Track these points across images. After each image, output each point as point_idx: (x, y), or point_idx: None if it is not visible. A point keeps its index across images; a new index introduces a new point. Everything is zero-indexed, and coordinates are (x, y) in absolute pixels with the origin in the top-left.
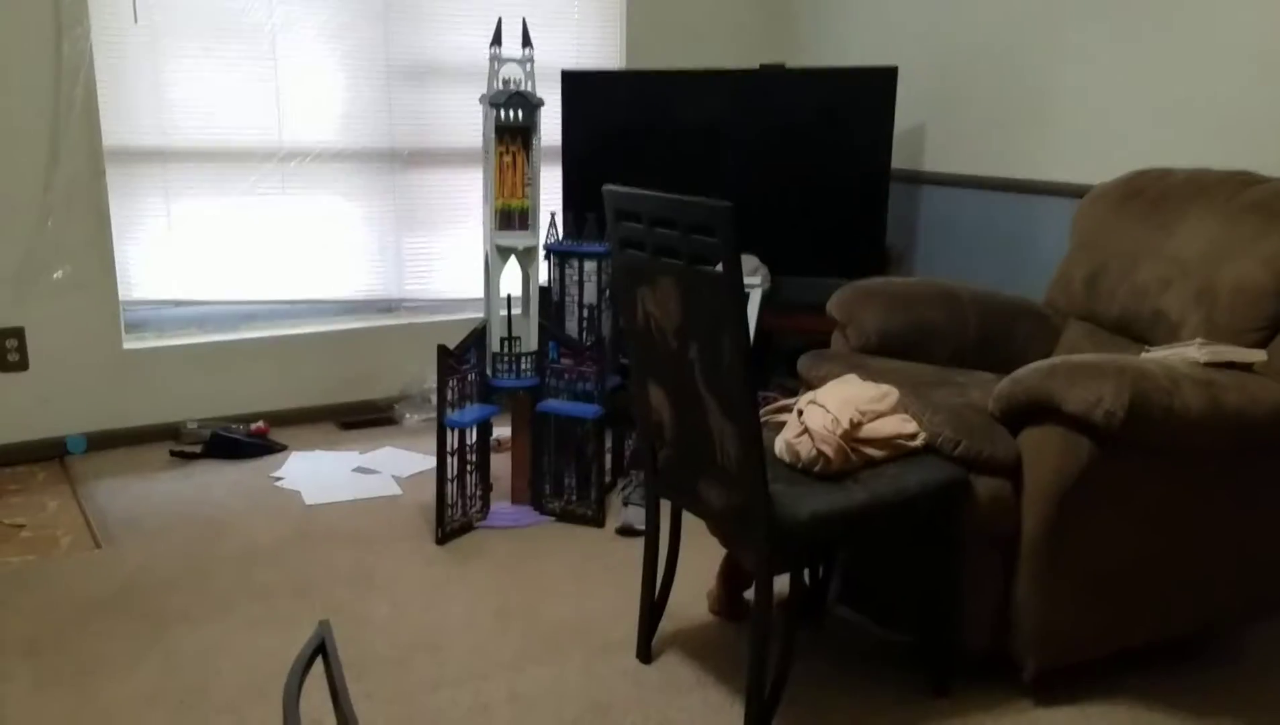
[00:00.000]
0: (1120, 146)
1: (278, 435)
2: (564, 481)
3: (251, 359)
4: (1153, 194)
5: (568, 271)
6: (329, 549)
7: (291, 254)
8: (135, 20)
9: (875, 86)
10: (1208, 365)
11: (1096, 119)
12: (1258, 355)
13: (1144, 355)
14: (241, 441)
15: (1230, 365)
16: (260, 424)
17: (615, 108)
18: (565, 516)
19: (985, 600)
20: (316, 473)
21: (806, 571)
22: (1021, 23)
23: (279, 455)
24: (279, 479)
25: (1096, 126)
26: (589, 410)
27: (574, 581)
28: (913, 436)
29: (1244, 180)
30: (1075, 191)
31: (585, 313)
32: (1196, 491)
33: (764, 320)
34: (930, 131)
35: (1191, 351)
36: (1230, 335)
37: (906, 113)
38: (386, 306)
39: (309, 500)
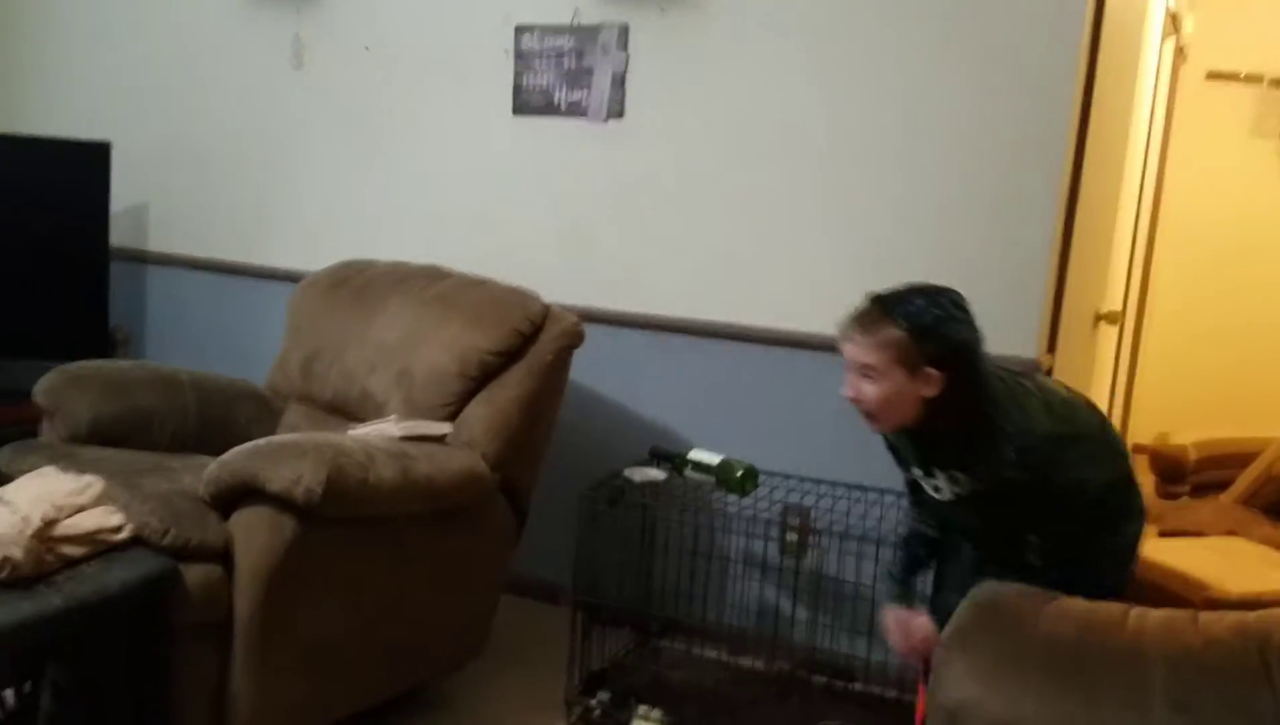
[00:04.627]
0: (333, 238)
1: None
2: None
3: None
4: (358, 284)
5: None
6: None
7: None
8: None
9: (86, 161)
10: (403, 439)
11: (311, 213)
12: (445, 428)
13: (349, 433)
14: None
15: (424, 438)
16: None
17: None
18: None
19: (201, 692)
20: None
21: (9, 692)
22: (243, 115)
23: None
24: None
25: (313, 219)
26: None
27: None
28: (118, 529)
29: (434, 273)
30: (293, 278)
31: None
32: (398, 559)
33: None
34: (155, 211)
35: (389, 427)
36: (426, 411)
37: (129, 189)
38: None
39: None
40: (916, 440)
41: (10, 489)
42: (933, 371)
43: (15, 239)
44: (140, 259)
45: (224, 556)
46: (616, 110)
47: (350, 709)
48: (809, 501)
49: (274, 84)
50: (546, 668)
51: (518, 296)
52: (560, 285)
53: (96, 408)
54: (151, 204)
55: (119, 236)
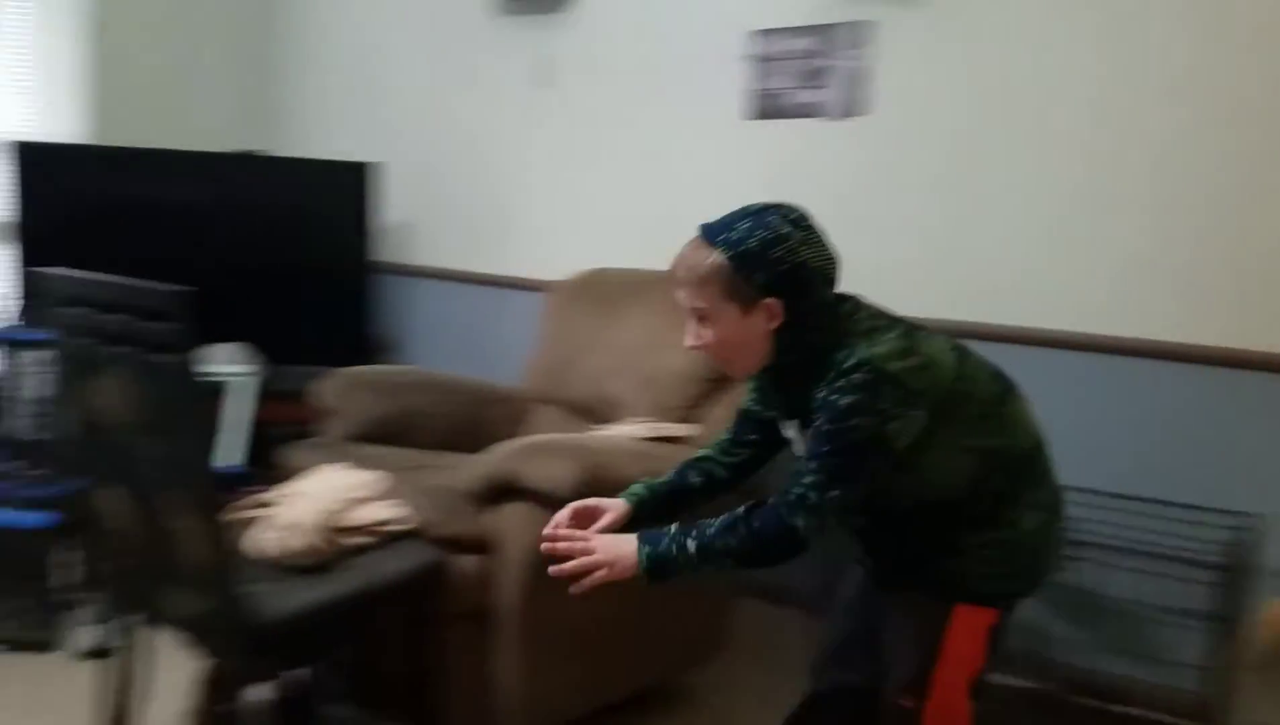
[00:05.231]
0: (571, 247)
1: None
2: (11, 603)
3: None
4: (600, 291)
5: (20, 362)
6: None
7: None
8: None
9: (350, 180)
10: (647, 440)
11: (552, 223)
12: (688, 429)
13: (594, 433)
14: None
15: (667, 439)
16: None
17: (83, 184)
18: (14, 644)
19: (470, 677)
20: None
21: (303, 670)
22: (490, 132)
23: None
24: None
25: (551, 230)
26: (37, 519)
27: (21, 718)
28: (400, 521)
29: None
30: (537, 287)
31: (38, 408)
32: None
33: (260, 410)
34: (420, 226)
35: (634, 428)
36: (668, 413)
37: (398, 206)
38: None
39: None
40: (775, 381)
41: (309, 482)
42: (772, 301)
43: (290, 254)
44: (407, 272)
45: (489, 548)
46: (858, 108)
47: (603, 698)
48: (1073, 511)
49: (519, 100)
50: (785, 669)
51: None
52: None
53: (372, 409)
54: (417, 219)
55: (390, 251)
